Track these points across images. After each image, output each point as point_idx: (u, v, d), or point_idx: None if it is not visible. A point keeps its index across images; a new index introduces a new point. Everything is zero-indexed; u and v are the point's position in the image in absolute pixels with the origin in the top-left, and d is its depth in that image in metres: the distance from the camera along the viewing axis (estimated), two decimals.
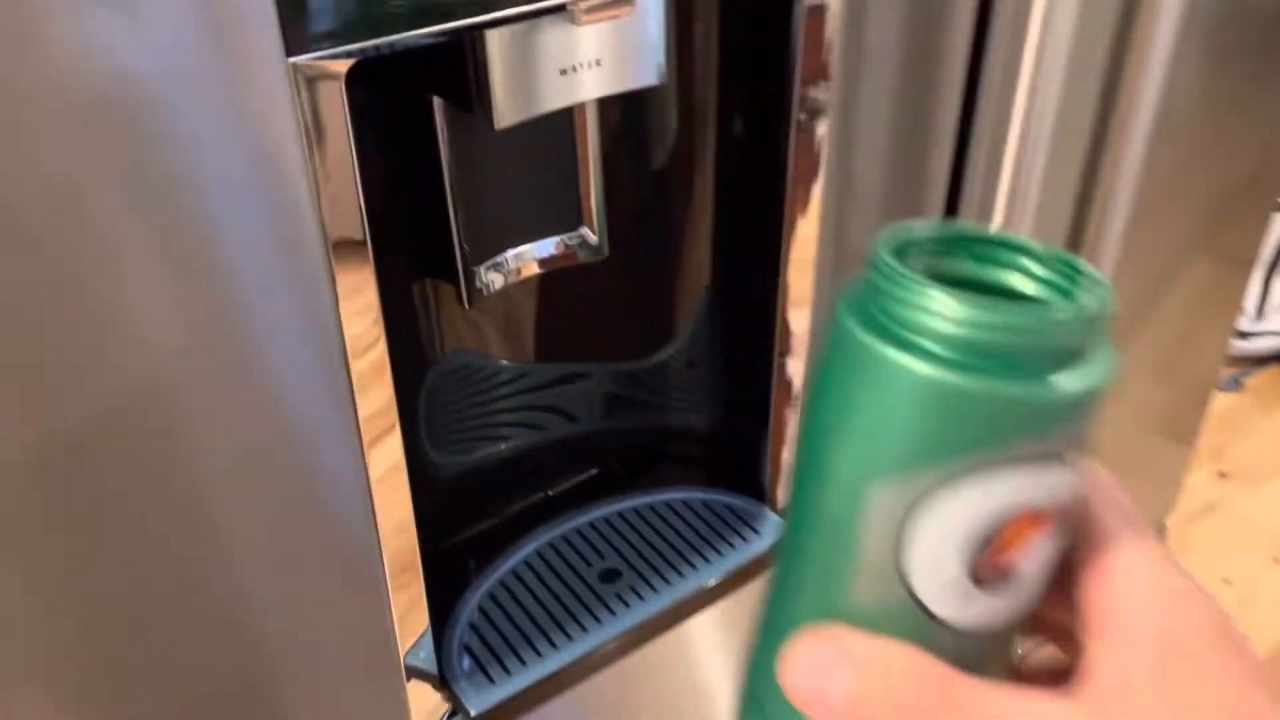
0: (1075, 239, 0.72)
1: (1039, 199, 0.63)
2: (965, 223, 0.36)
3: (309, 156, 0.35)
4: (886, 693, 0.26)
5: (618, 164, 0.54)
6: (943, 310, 0.26)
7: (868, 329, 0.27)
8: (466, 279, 0.50)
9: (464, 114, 0.43)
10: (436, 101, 0.45)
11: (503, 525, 0.58)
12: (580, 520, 0.60)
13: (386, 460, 0.43)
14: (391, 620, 0.47)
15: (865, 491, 0.28)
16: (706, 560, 0.57)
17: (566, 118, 0.50)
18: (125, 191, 0.32)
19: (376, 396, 0.41)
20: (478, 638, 0.54)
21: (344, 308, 0.38)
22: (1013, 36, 0.57)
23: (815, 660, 0.27)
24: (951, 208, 0.63)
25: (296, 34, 0.33)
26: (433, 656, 0.50)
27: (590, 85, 0.42)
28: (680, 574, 0.56)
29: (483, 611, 0.55)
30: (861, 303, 0.28)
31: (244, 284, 0.36)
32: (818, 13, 0.49)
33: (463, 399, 0.54)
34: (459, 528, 0.57)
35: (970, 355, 0.26)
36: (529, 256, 0.51)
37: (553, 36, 0.40)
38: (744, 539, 0.58)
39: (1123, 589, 0.26)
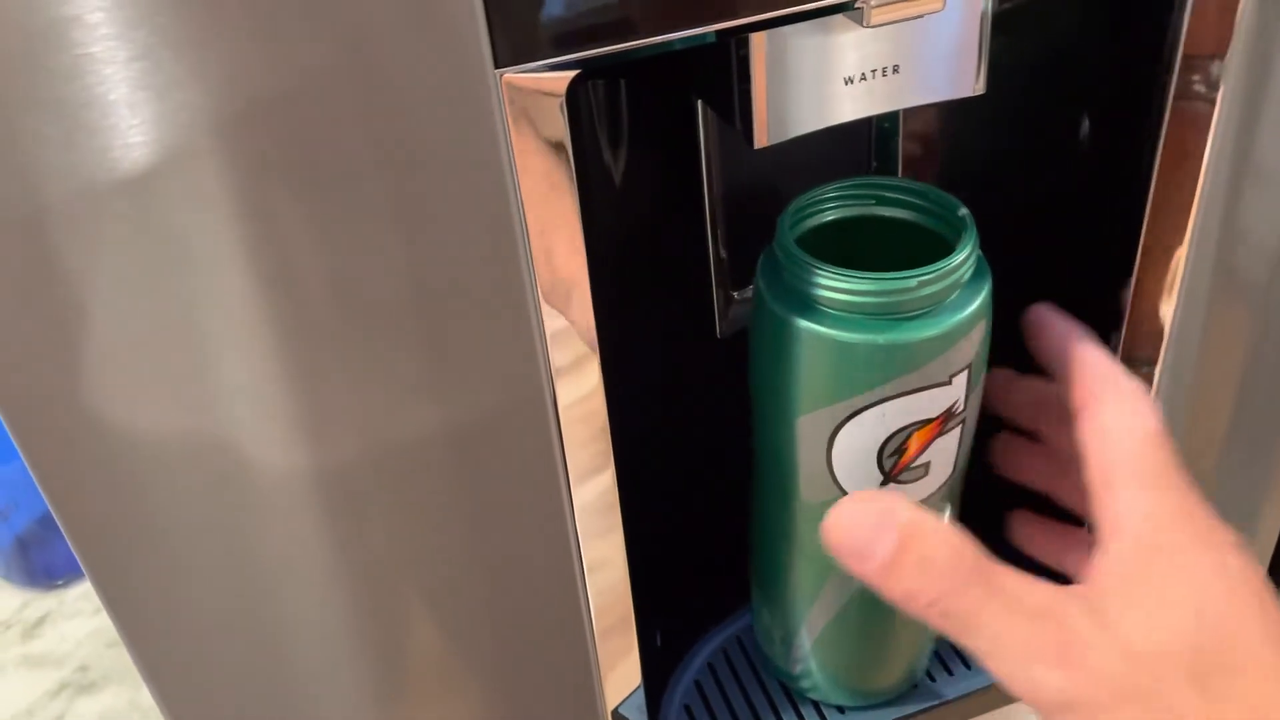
0: None
1: None
2: (861, 177, 0.38)
3: (515, 187, 0.29)
4: (921, 559, 0.30)
5: (925, 172, 0.45)
6: (826, 282, 0.33)
7: (774, 295, 0.35)
8: (722, 303, 0.43)
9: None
10: (700, 104, 0.38)
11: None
12: None
13: (595, 493, 0.38)
14: (597, 671, 0.42)
15: (795, 423, 0.36)
16: (968, 664, 0.47)
17: (863, 124, 0.42)
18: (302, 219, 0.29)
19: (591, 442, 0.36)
20: (701, 701, 0.48)
21: (555, 356, 0.33)
22: None
23: (861, 521, 0.31)
24: None
25: (508, 43, 0.27)
26: (643, 711, 0.45)
27: (883, 97, 0.34)
28: (949, 671, 0.47)
29: (712, 670, 0.49)
30: (771, 271, 0.35)
31: (444, 312, 0.32)
32: None
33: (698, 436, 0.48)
34: (694, 576, 0.51)
35: (849, 315, 0.33)
36: None
37: (836, 38, 0.32)
38: None
39: (1117, 497, 0.31)
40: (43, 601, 0.70)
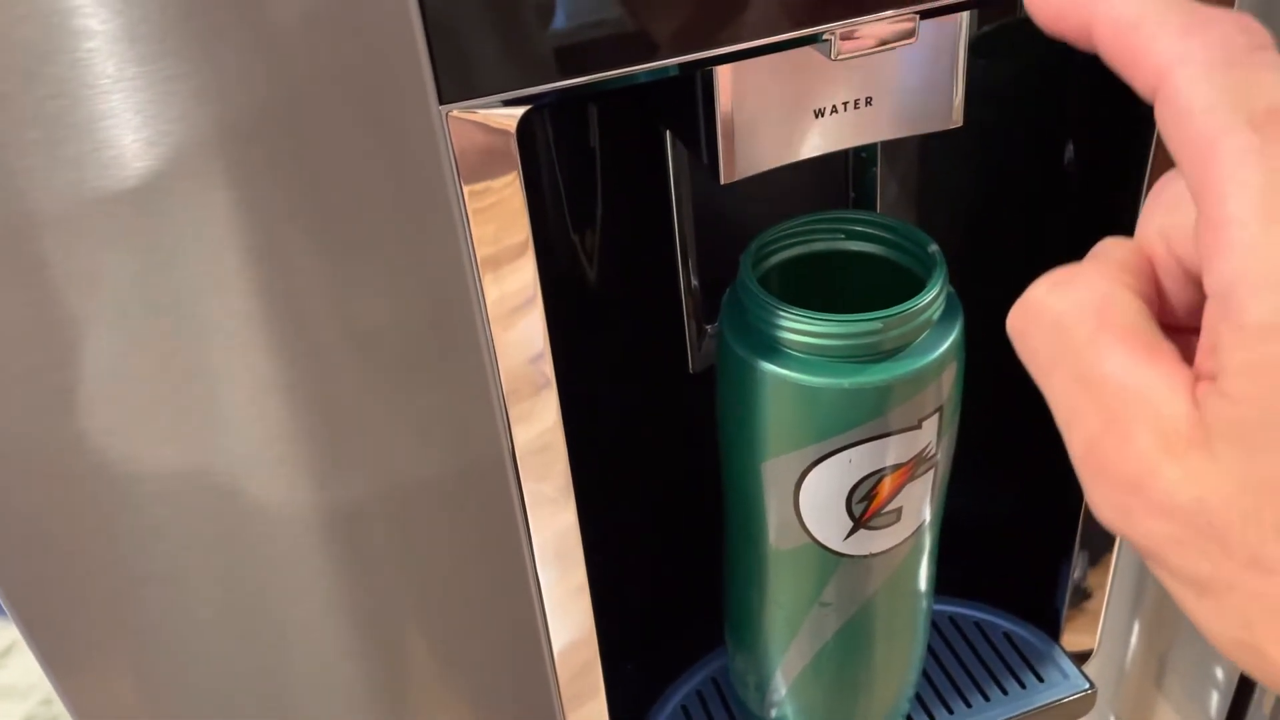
0: None
1: None
2: (829, 210, 0.36)
3: (466, 229, 0.28)
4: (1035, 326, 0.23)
5: (905, 200, 0.44)
6: (789, 323, 0.32)
7: (737, 335, 0.34)
8: (694, 336, 0.42)
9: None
10: (668, 134, 0.37)
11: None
12: None
13: (555, 533, 0.37)
14: (561, 714, 0.41)
15: (759, 468, 0.35)
16: (968, 705, 0.46)
17: (840, 153, 0.40)
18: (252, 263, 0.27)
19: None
20: None
21: (516, 427, 0.31)
22: None
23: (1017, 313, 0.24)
24: None
25: (454, 78, 0.26)
26: None
27: (854, 130, 0.32)
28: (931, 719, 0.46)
29: (686, 712, 0.48)
30: (734, 311, 0.34)
31: (398, 377, 0.30)
32: None
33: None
34: (670, 614, 0.50)
35: (813, 357, 0.32)
36: None
37: (806, 70, 0.30)
38: (1020, 684, 0.46)
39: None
40: (7, 631, 0.69)
